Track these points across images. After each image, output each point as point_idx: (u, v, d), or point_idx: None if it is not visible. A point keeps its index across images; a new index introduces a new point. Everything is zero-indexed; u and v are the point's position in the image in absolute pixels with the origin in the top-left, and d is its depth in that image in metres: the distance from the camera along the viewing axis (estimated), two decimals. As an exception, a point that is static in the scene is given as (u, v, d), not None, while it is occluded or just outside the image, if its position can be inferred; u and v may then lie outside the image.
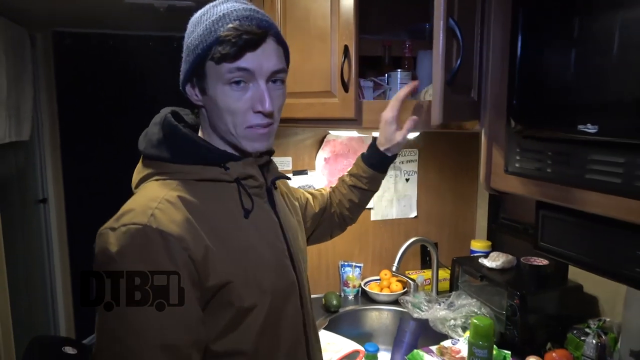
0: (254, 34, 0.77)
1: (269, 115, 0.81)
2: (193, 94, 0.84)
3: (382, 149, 1.19)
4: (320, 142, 1.90)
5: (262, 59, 0.79)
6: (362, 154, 1.25)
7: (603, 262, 0.89)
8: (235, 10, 0.78)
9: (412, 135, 1.70)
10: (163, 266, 0.71)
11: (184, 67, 0.83)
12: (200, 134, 0.89)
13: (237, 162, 0.85)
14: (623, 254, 0.84)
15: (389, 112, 1.16)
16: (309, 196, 1.26)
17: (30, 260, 2.77)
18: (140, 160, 0.87)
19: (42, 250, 2.89)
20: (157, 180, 0.81)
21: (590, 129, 0.78)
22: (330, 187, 1.33)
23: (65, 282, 2.99)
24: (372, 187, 1.25)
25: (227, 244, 0.78)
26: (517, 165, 1.02)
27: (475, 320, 1.17)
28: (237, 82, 0.78)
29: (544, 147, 0.93)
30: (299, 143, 1.88)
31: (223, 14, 0.78)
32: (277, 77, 0.82)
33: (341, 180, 1.30)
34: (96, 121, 3.01)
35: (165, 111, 0.87)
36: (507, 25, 1.01)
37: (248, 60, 0.77)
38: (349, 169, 1.29)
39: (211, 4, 0.82)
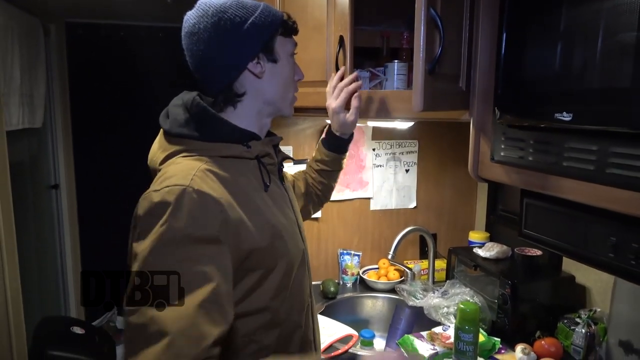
0: None
1: None
2: (257, 67, 0.92)
3: (337, 134, 1.30)
4: (321, 132, 1.93)
5: None
6: (322, 140, 1.34)
7: (580, 248, 0.91)
8: None
9: (406, 125, 1.73)
10: (204, 222, 0.77)
11: (248, 43, 0.90)
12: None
13: (257, 141, 0.95)
14: (597, 240, 0.86)
15: (334, 103, 1.26)
16: (294, 178, 1.35)
17: (42, 244, 2.87)
18: (162, 139, 0.93)
19: (53, 234, 2.98)
20: (185, 156, 0.87)
21: (566, 117, 0.80)
22: (303, 170, 1.41)
23: (75, 265, 3.08)
24: (336, 167, 1.36)
25: (254, 214, 0.87)
26: (502, 153, 1.05)
27: (461, 306, 1.20)
28: (293, 55, 0.99)
29: (526, 136, 0.96)
30: (300, 132, 1.92)
31: (264, 2, 0.94)
32: None
33: (308, 165, 1.39)
34: (107, 109, 3.08)
35: (192, 94, 0.93)
36: (495, 15, 1.03)
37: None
38: (313, 154, 1.38)
39: None
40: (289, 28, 0.96)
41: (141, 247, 0.75)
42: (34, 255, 2.62)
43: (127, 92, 3.07)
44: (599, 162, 0.78)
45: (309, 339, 1.03)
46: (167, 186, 0.78)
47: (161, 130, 0.98)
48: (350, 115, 1.26)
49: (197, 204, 0.77)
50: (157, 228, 0.74)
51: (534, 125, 0.93)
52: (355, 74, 1.30)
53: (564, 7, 0.81)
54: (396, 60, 1.47)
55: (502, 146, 1.04)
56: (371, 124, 1.85)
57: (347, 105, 1.26)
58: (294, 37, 1.00)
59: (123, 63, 3.04)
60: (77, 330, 2.20)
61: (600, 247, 0.85)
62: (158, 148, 0.93)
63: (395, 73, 1.47)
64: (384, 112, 1.30)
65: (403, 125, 1.72)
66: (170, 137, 0.91)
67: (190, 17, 0.92)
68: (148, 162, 0.97)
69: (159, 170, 0.87)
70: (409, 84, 1.49)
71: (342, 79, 1.30)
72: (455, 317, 1.57)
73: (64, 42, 2.89)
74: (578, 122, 0.78)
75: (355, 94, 1.25)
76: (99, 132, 3.07)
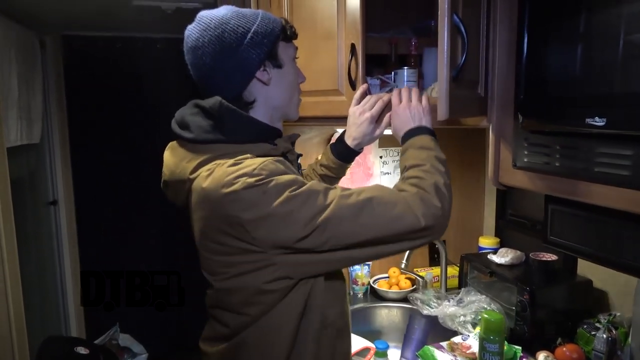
0: None
1: None
2: (264, 74, 0.94)
3: (353, 144, 1.23)
4: (328, 141, 1.91)
5: None
6: (331, 145, 1.31)
7: (613, 254, 0.89)
8: None
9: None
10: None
11: (254, 52, 0.91)
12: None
13: (280, 138, 0.99)
14: (632, 246, 0.84)
15: (373, 112, 1.18)
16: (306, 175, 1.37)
17: (41, 262, 2.81)
18: (183, 149, 0.94)
19: (52, 251, 2.93)
20: (220, 163, 0.86)
21: (598, 122, 0.79)
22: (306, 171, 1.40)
23: (75, 283, 3.02)
24: (339, 174, 1.36)
25: None
26: (525, 160, 1.03)
27: (485, 315, 1.18)
28: (294, 60, 1.01)
29: (552, 141, 0.94)
30: (307, 142, 1.89)
31: (259, 10, 0.97)
32: None
33: (312, 168, 1.37)
34: (105, 123, 3.04)
35: (214, 99, 0.92)
36: (513, 21, 1.02)
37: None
38: (319, 157, 1.36)
39: (232, 7, 0.95)
40: (288, 33, 0.98)
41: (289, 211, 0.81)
42: (34, 273, 2.56)
43: (126, 104, 3.03)
44: (635, 167, 0.77)
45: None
46: (240, 176, 0.82)
47: (173, 142, 0.99)
48: (379, 129, 1.20)
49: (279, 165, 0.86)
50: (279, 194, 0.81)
51: (560, 130, 0.91)
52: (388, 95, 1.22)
53: (600, 5, 0.79)
54: (406, 67, 1.45)
55: (525, 152, 1.02)
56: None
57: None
58: (293, 42, 1.02)
59: (121, 75, 3.00)
60: (82, 350, 2.15)
61: (636, 254, 0.83)
62: (182, 159, 0.93)
63: (405, 80, 1.45)
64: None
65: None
66: (195, 145, 0.92)
67: (192, 31, 0.93)
68: (168, 175, 0.97)
69: (192, 179, 0.88)
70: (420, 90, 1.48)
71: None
72: (472, 325, 1.55)
73: (61, 55, 2.86)
74: (612, 127, 0.77)
75: (389, 113, 1.17)
76: (98, 147, 3.03)
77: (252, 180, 0.80)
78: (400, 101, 1.09)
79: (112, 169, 3.01)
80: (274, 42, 0.94)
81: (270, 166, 0.83)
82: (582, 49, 0.83)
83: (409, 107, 1.06)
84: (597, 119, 0.79)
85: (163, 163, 1.01)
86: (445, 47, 0.87)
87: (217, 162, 0.87)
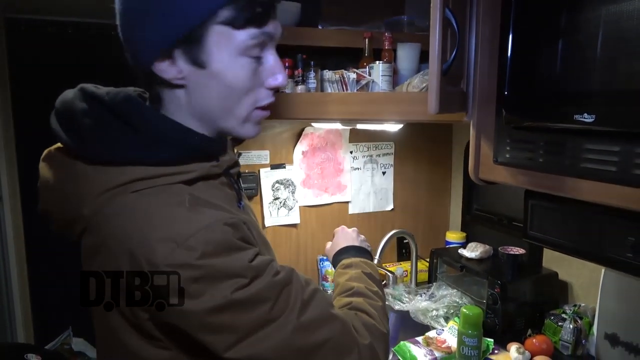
0: None
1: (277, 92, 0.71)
2: (170, 70, 0.64)
3: None
4: (298, 136, 1.87)
5: (277, 23, 0.67)
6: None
7: (594, 248, 0.91)
8: None
9: (395, 128, 1.71)
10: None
11: (156, 32, 0.62)
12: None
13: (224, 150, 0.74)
14: (614, 240, 0.86)
15: None
16: None
17: (-17, 264, 2.60)
18: (72, 162, 0.66)
19: (-4, 252, 2.72)
20: (135, 194, 0.62)
21: (587, 118, 0.80)
22: None
23: (22, 285, 2.81)
24: None
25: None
26: (507, 155, 1.03)
27: (464, 310, 1.18)
28: (255, 52, 0.65)
29: (537, 138, 0.95)
30: (277, 136, 1.85)
31: None
32: None
33: None
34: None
35: (122, 95, 0.65)
36: (496, 17, 1.02)
37: (270, 24, 0.65)
38: None
39: None
40: (246, 13, 0.62)
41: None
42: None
43: (77, 95, 2.85)
44: (622, 163, 0.78)
45: None
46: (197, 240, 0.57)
47: (53, 150, 0.71)
48: None
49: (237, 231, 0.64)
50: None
51: (546, 126, 0.92)
52: None
53: (583, 2, 0.80)
54: (380, 62, 1.44)
55: (508, 148, 1.03)
56: (360, 126, 1.80)
57: None
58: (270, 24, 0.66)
59: (72, 64, 2.81)
60: (32, 357, 2.00)
61: (618, 248, 0.85)
62: (71, 180, 0.66)
63: (380, 74, 1.44)
64: (396, 115, 1.27)
65: (392, 128, 1.69)
66: (94, 165, 0.64)
67: None
68: (48, 199, 0.70)
69: (90, 216, 0.63)
70: (394, 85, 1.47)
71: None
72: (444, 319, 1.56)
73: (4, 40, 2.64)
74: (602, 124, 0.78)
75: None
76: (46, 140, 2.82)
77: (181, 251, 0.56)
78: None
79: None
80: (197, 23, 0.61)
81: (216, 236, 0.58)
82: (570, 46, 0.84)
83: (357, 233, 1.10)
84: (586, 115, 0.80)
85: (39, 179, 0.73)
86: (437, 41, 0.85)
87: (136, 194, 0.62)
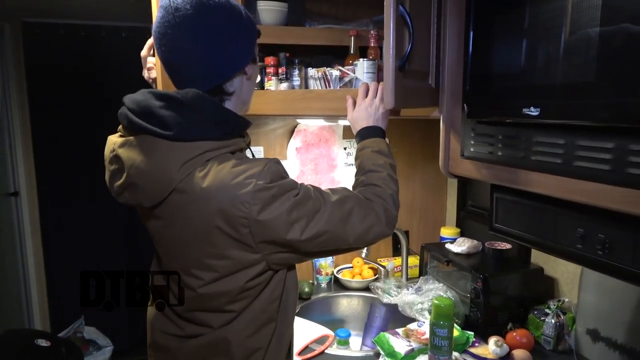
0: None
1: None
2: (250, 68, 0.93)
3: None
4: (292, 132, 1.91)
5: None
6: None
7: (549, 240, 0.93)
8: None
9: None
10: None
11: (246, 45, 0.91)
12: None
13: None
14: (565, 232, 0.88)
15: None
16: None
17: (2, 255, 2.74)
18: (154, 145, 0.85)
19: (14, 244, 2.86)
20: (211, 162, 0.85)
21: (533, 111, 0.82)
22: None
23: (39, 276, 2.96)
24: None
25: None
26: (471, 149, 1.06)
27: (436, 301, 1.21)
28: None
29: (495, 131, 0.97)
30: (270, 133, 1.90)
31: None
32: None
33: None
34: (69, 112, 2.97)
35: (192, 93, 0.85)
36: (462, 14, 1.04)
37: None
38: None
39: None
40: (258, 30, 0.97)
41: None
42: (-7, 266, 2.50)
43: (90, 94, 2.96)
44: (566, 155, 0.80)
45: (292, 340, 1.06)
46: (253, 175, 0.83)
47: (132, 139, 0.87)
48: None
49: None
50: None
51: (502, 120, 0.94)
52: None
53: (528, 3, 0.82)
54: (364, 59, 1.47)
55: (472, 142, 1.05)
56: (342, 122, 1.85)
57: None
58: None
59: (84, 64, 2.94)
60: (42, 342, 2.11)
61: (569, 239, 0.87)
62: (158, 157, 0.84)
63: (365, 71, 1.47)
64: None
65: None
66: (171, 142, 0.84)
67: (183, 5, 0.83)
68: (135, 175, 0.86)
69: (180, 179, 0.83)
70: (378, 82, 1.50)
71: None
72: (429, 312, 1.58)
73: (21, 42, 2.77)
74: (545, 117, 0.80)
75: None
76: (61, 137, 2.96)
77: (261, 182, 0.82)
78: (366, 96, 1.20)
79: (75, 159, 2.95)
80: (256, 37, 0.93)
81: (274, 168, 0.86)
82: (520, 42, 0.86)
83: (372, 104, 1.18)
84: (532, 108, 0.82)
85: (112, 161, 0.92)
86: (391, 38, 0.89)
87: (210, 161, 0.85)
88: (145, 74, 1.19)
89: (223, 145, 0.87)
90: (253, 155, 1.02)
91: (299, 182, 0.91)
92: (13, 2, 2.39)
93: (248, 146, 1.00)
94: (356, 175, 1.12)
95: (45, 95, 2.89)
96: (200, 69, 0.87)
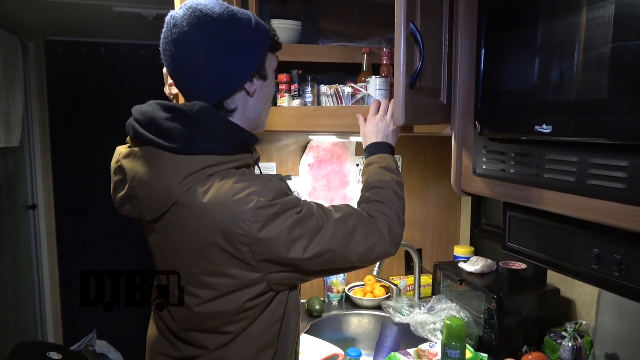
0: None
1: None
2: (252, 86, 0.90)
3: None
4: (304, 148, 1.92)
5: None
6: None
7: (563, 260, 0.90)
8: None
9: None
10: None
11: (247, 60, 0.87)
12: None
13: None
14: (580, 252, 0.86)
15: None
16: None
17: (19, 267, 2.78)
18: (158, 157, 0.84)
19: (30, 256, 2.90)
20: (214, 177, 0.83)
21: (546, 129, 0.81)
22: None
23: (54, 289, 2.99)
24: None
25: None
26: (484, 167, 1.05)
27: (447, 322, 1.18)
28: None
29: (507, 149, 0.96)
30: (283, 149, 1.91)
31: (249, 12, 0.90)
32: None
33: None
34: (87, 128, 3.04)
35: (199, 105, 0.84)
36: (474, 32, 1.04)
37: None
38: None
39: (219, 2, 0.87)
40: (275, 44, 0.93)
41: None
42: (9, 278, 2.53)
43: (108, 111, 3.02)
44: (580, 173, 0.78)
45: None
46: (257, 192, 0.81)
47: (137, 150, 0.87)
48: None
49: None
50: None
51: (515, 138, 0.93)
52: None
53: (541, 21, 0.82)
54: (377, 76, 1.47)
55: (484, 159, 1.04)
56: (354, 139, 1.85)
57: None
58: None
59: (104, 81, 3.01)
60: (54, 355, 2.12)
61: (584, 259, 0.85)
62: (160, 170, 0.84)
63: (377, 89, 1.47)
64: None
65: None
66: (174, 155, 0.83)
67: (180, 21, 0.83)
68: (137, 187, 0.86)
69: (181, 193, 0.82)
70: (390, 99, 1.50)
71: None
72: (442, 333, 1.55)
73: (44, 60, 2.86)
74: (558, 134, 0.79)
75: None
76: (79, 152, 3.02)
77: (263, 200, 0.80)
78: (378, 112, 1.19)
79: (93, 174, 3.00)
80: (265, 51, 0.90)
81: (277, 186, 0.83)
82: (533, 59, 0.85)
83: (382, 121, 1.16)
84: (544, 126, 0.81)
85: (117, 172, 0.92)
86: (402, 55, 0.89)
87: (212, 176, 0.83)
88: (167, 90, 1.20)
89: (228, 160, 0.86)
90: (260, 172, 1.01)
91: (308, 199, 0.90)
92: (37, 21, 2.47)
93: (256, 163, 0.98)
94: (362, 191, 1.10)
95: (66, 111, 2.97)
96: (199, 84, 0.86)
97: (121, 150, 0.93)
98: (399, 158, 2.03)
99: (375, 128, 1.16)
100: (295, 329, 0.96)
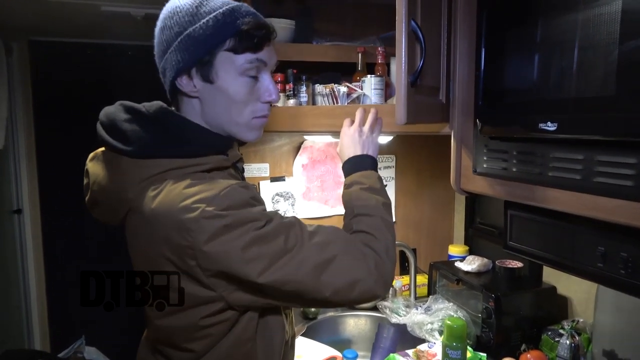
0: (268, 28, 0.83)
1: (272, 105, 0.89)
2: (189, 84, 0.82)
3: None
4: (298, 149, 1.90)
5: (272, 52, 0.86)
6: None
7: (568, 259, 0.90)
8: (240, 5, 0.82)
9: (385, 140, 1.72)
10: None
11: (178, 57, 0.79)
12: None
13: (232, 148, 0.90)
14: (585, 250, 0.85)
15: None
16: None
17: (4, 272, 2.71)
18: (117, 160, 0.81)
19: (16, 262, 2.83)
20: (168, 180, 0.77)
21: (550, 126, 0.80)
22: None
23: (40, 295, 2.92)
24: None
25: None
26: (484, 165, 1.04)
27: (448, 322, 1.17)
28: (252, 73, 0.83)
29: (509, 147, 0.95)
30: (276, 150, 1.88)
31: (231, 7, 0.80)
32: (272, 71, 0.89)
33: None
34: (73, 130, 2.97)
35: (156, 106, 0.82)
36: (473, 29, 1.04)
37: (265, 52, 0.83)
38: None
39: None
40: (245, 43, 0.80)
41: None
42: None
43: (95, 112, 2.94)
44: (586, 171, 0.78)
45: None
46: (204, 201, 0.72)
47: (100, 152, 0.86)
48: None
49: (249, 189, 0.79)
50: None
51: (517, 136, 0.92)
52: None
53: (543, 17, 0.81)
54: (372, 75, 1.46)
55: (485, 158, 1.03)
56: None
57: None
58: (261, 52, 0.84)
59: (90, 82, 2.95)
60: (42, 363, 2.07)
61: (589, 258, 0.84)
62: (118, 174, 0.80)
63: (372, 88, 1.46)
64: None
65: (381, 140, 1.70)
66: (135, 159, 0.79)
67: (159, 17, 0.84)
68: (98, 191, 0.84)
69: (134, 198, 0.77)
70: (386, 98, 1.49)
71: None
72: (439, 333, 1.55)
73: (28, 61, 2.79)
74: (563, 132, 0.78)
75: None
76: (65, 154, 2.94)
77: (210, 209, 0.70)
78: (352, 122, 1.11)
79: (79, 177, 2.93)
80: (208, 50, 0.79)
81: (235, 194, 0.74)
82: (534, 57, 0.85)
83: (360, 131, 1.07)
84: (549, 123, 0.80)
85: (85, 175, 0.91)
86: (403, 53, 0.87)
87: (167, 180, 0.77)
88: None
89: (194, 163, 0.79)
90: (242, 174, 0.95)
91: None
92: (21, 21, 2.41)
93: (235, 165, 0.90)
94: (345, 218, 0.96)
95: (51, 113, 2.90)
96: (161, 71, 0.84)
97: (94, 153, 0.91)
98: (392, 157, 2.02)
99: (351, 140, 1.06)
100: (279, 348, 0.87)
